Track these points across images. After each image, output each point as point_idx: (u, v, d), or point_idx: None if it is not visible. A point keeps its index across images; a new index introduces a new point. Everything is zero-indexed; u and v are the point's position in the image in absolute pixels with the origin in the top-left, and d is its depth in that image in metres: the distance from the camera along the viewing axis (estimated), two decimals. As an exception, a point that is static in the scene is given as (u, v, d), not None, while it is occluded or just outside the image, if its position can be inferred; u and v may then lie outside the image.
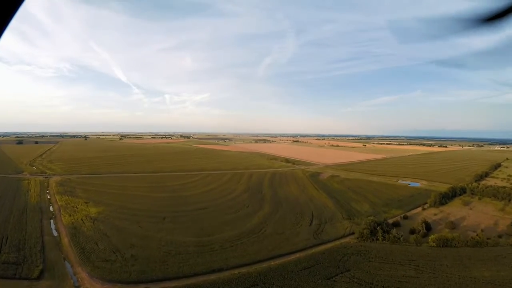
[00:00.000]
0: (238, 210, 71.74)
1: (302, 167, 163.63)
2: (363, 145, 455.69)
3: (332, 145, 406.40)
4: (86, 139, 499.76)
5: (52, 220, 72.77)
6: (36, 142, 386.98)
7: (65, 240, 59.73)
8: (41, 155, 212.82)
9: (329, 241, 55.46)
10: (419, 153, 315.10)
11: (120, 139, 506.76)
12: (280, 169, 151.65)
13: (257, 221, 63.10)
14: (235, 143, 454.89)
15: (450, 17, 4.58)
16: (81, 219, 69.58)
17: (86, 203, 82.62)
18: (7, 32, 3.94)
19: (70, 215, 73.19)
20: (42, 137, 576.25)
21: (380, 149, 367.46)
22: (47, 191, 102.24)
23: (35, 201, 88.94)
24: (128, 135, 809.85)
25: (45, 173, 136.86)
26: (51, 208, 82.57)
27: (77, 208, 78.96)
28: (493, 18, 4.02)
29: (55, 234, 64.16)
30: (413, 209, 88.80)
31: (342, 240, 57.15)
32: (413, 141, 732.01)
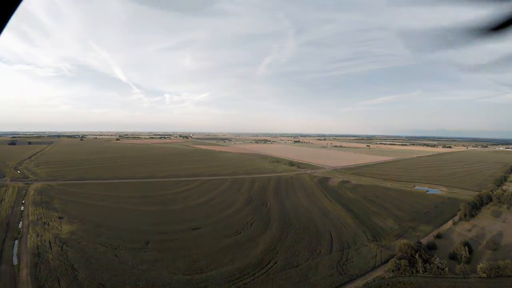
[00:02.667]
0: (239, 230, 59.13)
1: (308, 171, 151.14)
2: (367, 145, 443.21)
3: (335, 146, 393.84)
4: (82, 140, 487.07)
5: (16, 241, 60.49)
6: (30, 143, 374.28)
7: (24, 273, 47.37)
8: (30, 157, 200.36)
9: (358, 277, 43.08)
10: (427, 154, 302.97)
11: (117, 139, 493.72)
12: (284, 174, 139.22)
13: (264, 247, 50.54)
14: (234, 143, 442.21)
15: (456, 27, 4.58)
16: (49, 241, 57.17)
17: (60, 218, 70.16)
18: (6, 31, 3.99)
19: (38, 235, 60.81)
20: (39, 137, 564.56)
21: (385, 150, 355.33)
22: (23, 201, 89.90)
23: (5, 214, 76.76)
24: (127, 135, 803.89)
25: (28, 178, 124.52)
26: (20, 224, 70.26)
27: (48, 225, 66.56)
28: (500, 27, 3.96)
29: (15, 262, 51.88)
30: (443, 223, 76.53)
31: (374, 274, 44.75)
32: (415, 141, 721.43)
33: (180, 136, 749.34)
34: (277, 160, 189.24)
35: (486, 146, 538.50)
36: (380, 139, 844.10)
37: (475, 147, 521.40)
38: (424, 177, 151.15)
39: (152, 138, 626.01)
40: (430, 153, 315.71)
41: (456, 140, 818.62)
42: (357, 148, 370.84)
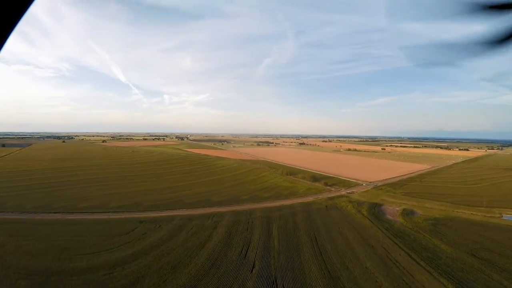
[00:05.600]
0: None
1: (343, 191, 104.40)
2: (382, 148, 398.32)
3: (349, 149, 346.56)
4: (64, 142, 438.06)
5: None
6: (4, 145, 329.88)
7: None
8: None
9: None
10: (458, 160, 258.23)
11: (103, 141, 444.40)
12: (311, 199, 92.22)
13: None
14: (234, 146, 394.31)
15: (460, 42, 4.52)
16: None
17: None
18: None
19: None
20: (24, 138, 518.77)
21: (407, 154, 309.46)
22: None
23: None
24: (122, 135, 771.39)
25: None
26: None
27: None
28: (503, 40, 3.94)
29: None
30: None
31: None
32: (421, 143, 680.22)
33: (176, 137, 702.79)
34: (292, 172, 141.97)
35: (502, 149, 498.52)
36: (385, 140, 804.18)
37: (491, 149, 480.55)
38: (495, 196, 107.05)
39: (146, 139, 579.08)
40: (461, 158, 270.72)
41: (460, 142, 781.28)
42: (374, 152, 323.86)
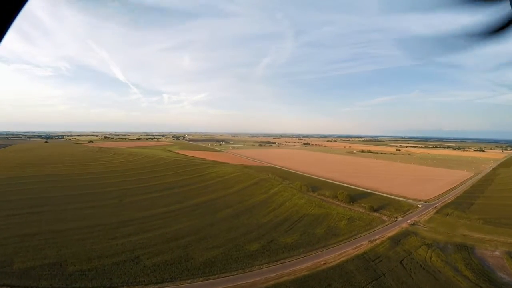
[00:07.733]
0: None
1: (402, 222, 68.99)
2: (397, 149, 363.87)
3: (363, 151, 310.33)
4: (46, 142, 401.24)
5: None
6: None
7: None
8: None
9: None
10: (493, 164, 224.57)
11: (90, 141, 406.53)
12: (365, 244, 55.97)
13: None
14: (233, 147, 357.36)
15: (453, 33, 4.50)
16: None
17: None
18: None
19: None
20: (10, 138, 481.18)
21: (429, 156, 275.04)
22: None
23: None
24: (118, 135, 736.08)
25: None
26: None
27: None
28: (495, 31, 4.02)
29: None
30: None
31: None
32: (427, 142, 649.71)
33: (173, 137, 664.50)
34: (313, 185, 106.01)
35: (507, 149, 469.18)
36: (389, 140, 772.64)
37: (505, 150, 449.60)
38: None
39: (139, 139, 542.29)
40: (493, 162, 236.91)
41: (464, 141, 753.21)
42: (392, 154, 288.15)
